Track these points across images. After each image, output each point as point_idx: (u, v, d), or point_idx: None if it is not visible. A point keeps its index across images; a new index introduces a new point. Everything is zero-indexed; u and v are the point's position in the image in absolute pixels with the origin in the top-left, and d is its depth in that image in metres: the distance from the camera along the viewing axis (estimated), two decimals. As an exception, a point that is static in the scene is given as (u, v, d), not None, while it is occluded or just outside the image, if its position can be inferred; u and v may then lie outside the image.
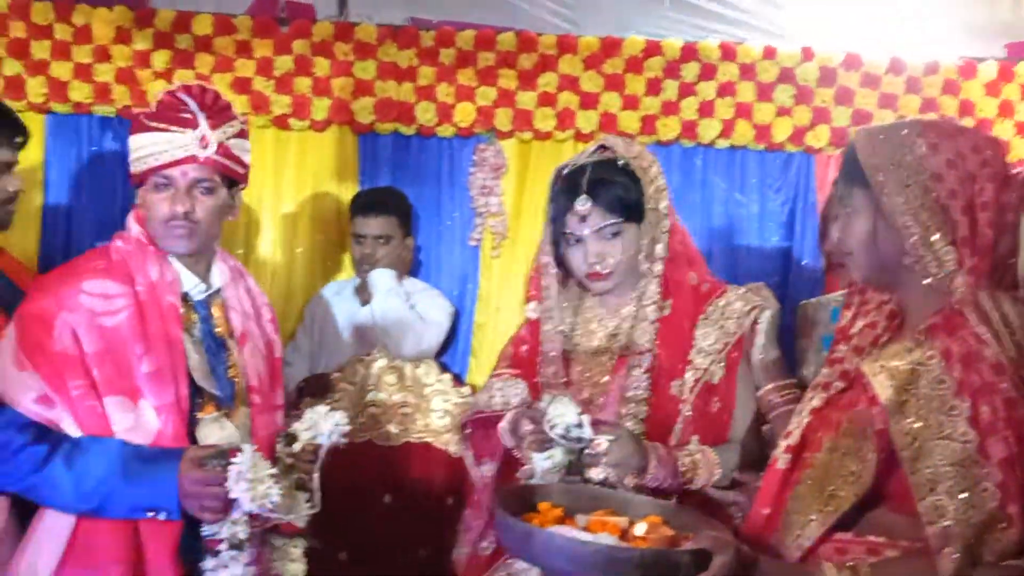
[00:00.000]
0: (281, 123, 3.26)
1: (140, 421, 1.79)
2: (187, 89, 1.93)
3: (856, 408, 1.41)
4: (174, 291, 1.90)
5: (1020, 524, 1.31)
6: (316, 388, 2.93)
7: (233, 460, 1.67)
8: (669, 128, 3.34)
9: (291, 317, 3.24)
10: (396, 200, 3.18)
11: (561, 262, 2.04)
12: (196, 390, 1.87)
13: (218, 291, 1.99)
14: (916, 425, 1.33)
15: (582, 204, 1.93)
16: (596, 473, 1.75)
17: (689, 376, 1.92)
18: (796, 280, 3.35)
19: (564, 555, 1.35)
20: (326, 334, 3.11)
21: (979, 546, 1.31)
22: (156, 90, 3.14)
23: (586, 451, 1.75)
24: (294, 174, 3.31)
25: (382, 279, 3.07)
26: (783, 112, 3.36)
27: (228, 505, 1.70)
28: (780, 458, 1.53)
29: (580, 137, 3.33)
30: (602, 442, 1.74)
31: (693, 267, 2.01)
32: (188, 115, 1.88)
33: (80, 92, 3.16)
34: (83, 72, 3.16)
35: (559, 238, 2.01)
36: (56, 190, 3.20)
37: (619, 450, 1.76)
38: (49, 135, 3.19)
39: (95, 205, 3.19)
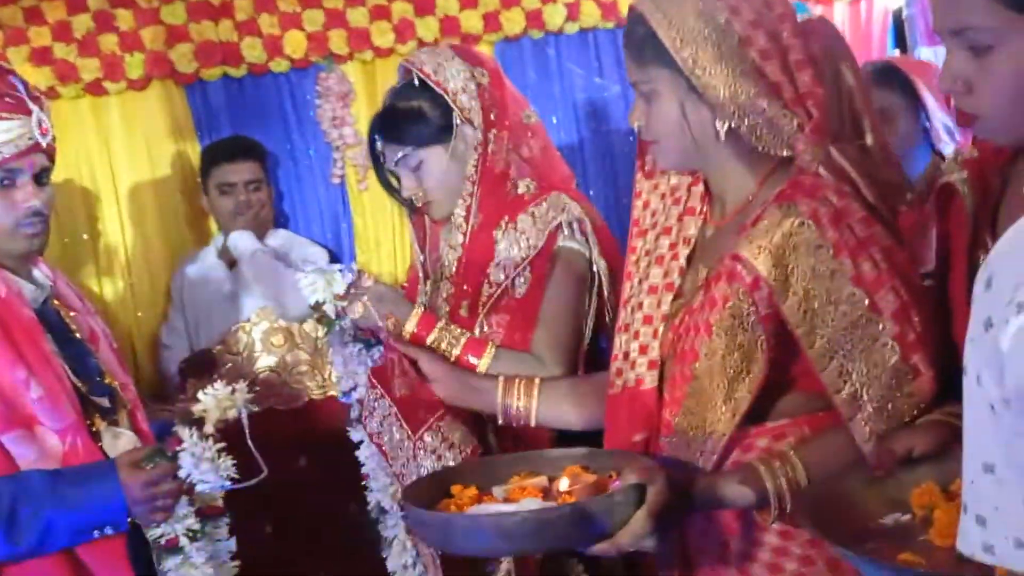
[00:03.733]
0: (95, 89, 2.96)
1: (44, 449, 1.63)
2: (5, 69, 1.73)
3: (728, 302, 1.30)
4: (24, 302, 1.69)
5: (928, 371, 1.26)
6: (199, 366, 2.75)
7: (179, 448, 1.61)
8: (514, 21, 3.18)
9: (159, 297, 3.02)
10: (256, 145, 2.99)
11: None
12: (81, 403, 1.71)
13: (50, 293, 1.79)
14: (803, 296, 1.26)
15: (380, 143, 1.82)
16: (353, 310, 1.73)
17: (485, 292, 1.76)
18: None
19: (491, 534, 1.22)
20: (198, 308, 2.90)
21: (893, 405, 1.26)
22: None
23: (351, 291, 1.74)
24: (124, 142, 3.02)
25: (242, 241, 2.88)
26: (626, -16, 3.25)
27: (176, 502, 1.66)
28: (646, 376, 1.42)
29: (424, 47, 3.13)
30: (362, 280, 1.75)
31: (533, 172, 1.80)
32: (20, 98, 1.69)
33: None
34: None
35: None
36: None
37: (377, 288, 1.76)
38: None
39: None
